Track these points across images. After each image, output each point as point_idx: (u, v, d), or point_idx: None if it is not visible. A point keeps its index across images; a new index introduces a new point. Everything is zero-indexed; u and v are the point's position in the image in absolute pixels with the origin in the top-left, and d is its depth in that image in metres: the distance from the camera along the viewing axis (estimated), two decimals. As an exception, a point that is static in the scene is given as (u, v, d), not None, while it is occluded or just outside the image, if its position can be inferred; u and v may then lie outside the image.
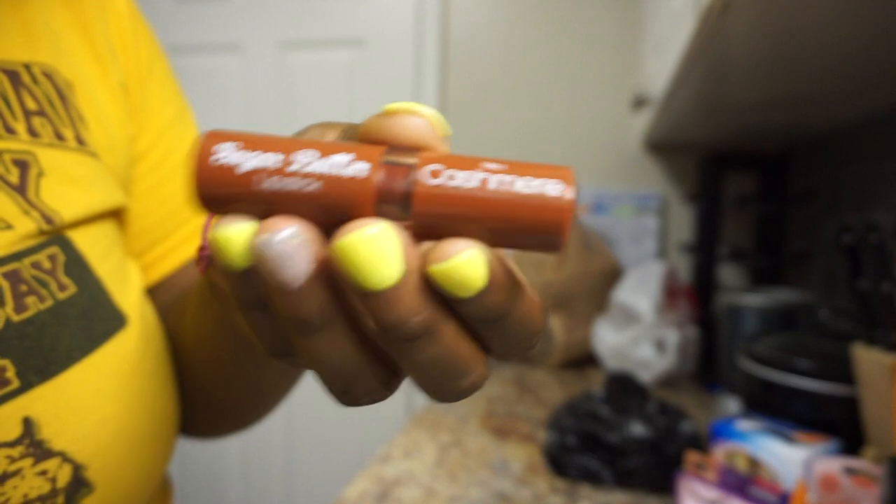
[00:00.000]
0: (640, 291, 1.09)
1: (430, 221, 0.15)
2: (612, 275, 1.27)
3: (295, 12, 1.64)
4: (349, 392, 0.17)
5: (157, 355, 0.31)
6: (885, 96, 0.81)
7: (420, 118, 0.16)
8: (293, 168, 0.15)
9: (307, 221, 0.15)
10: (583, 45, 1.49)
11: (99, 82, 0.32)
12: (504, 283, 0.15)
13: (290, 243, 0.14)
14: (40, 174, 0.26)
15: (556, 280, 1.23)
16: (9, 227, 0.25)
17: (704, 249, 1.21)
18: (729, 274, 1.42)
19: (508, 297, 0.16)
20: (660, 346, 1.06)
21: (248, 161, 0.15)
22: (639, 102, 1.17)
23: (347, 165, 0.15)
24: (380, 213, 0.15)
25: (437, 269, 0.14)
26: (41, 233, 0.26)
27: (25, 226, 0.25)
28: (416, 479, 0.71)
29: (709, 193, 1.21)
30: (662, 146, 1.46)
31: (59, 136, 0.28)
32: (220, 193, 0.15)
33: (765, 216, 1.26)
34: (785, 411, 0.64)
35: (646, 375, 1.04)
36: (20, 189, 0.26)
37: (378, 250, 0.14)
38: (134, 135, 0.35)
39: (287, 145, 0.15)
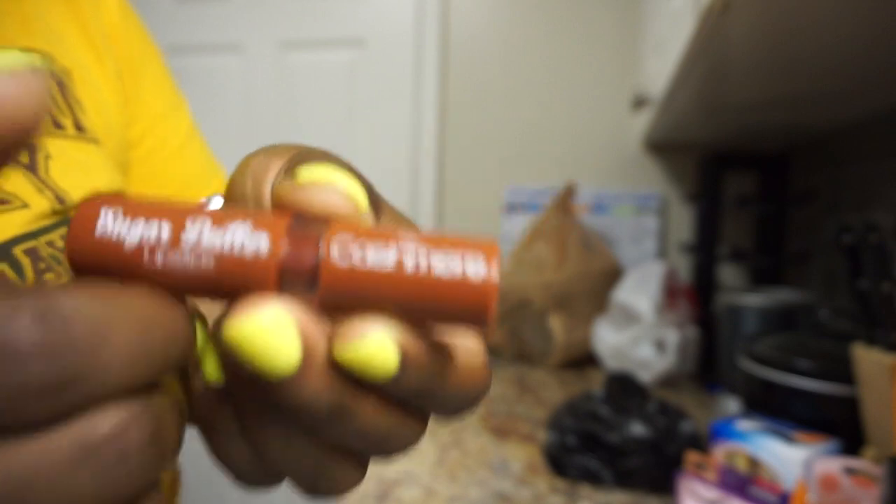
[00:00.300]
0: (640, 291, 1.09)
1: (339, 301, 0.13)
2: (612, 275, 1.27)
3: (295, 12, 1.64)
4: (317, 488, 0.16)
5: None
6: (885, 96, 0.81)
7: (334, 191, 0.14)
8: (186, 240, 0.13)
9: (202, 299, 0.13)
10: (583, 45, 1.49)
11: (96, 69, 0.33)
12: (423, 362, 0.14)
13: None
14: (48, 157, 0.27)
15: (556, 280, 1.23)
16: (25, 205, 0.25)
17: (704, 249, 1.22)
18: (729, 274, 1.42)
19: (430, 375, 0.14)
20: (660, 346, 1.06)
21: (133, 232, 0.13)
22: (639, 102, 1.17)
23: (245, 240, 0.13)
24: (282, 290, 0.13)
25: (343, 355, 0.13)
26: (54, 212, 0.26)
27: (40, 205, 0.26)
28: (415, 479, 0.71)
29: (709, 193, 1.21)
30: (662, 146, 1.46)
31: (58, 125, 0.28)
32: (102, 269, 0.13)
33: (765, 216, 1.26)
34: (785, 411, 0.64)
35: (646, 375, 1.04)
36: (31, 168, 0.26)
37: (271, 338, 0.12)
38: (129, 122, 0.35)
39: (178, 214, 0.13)
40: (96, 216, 0.13)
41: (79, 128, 0.29)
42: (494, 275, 0.13)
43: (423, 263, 0.13)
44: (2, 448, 0.10)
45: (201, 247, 0.13)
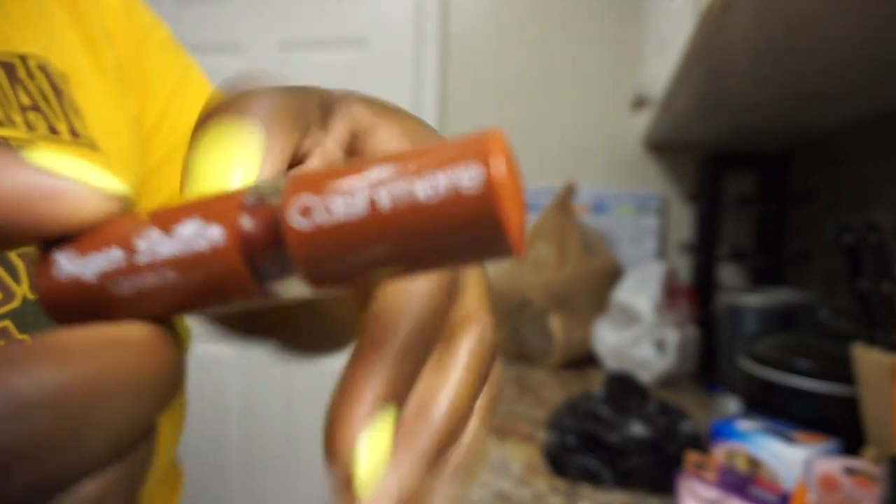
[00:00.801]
0: (640, 291, 1.09)
1: (325, 270, 0.11)
2: (612, 275, 1.27)
3: (295, 12, 1.64)
4: None
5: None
6: (885, 96, 0.81)
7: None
8: (141, 260, 0.12)
9: (191, 308, 0.12)
10: (583, 44, 1.49)
11: (92, 71, 0.32)
12: None
13: None
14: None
15: (556, 280, 1.23)
16: None
17: (704, 249, 1.22)
18: (729, 274, 1.42)
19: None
20: (660, 346, 1.06)
21: (90, 265, 0.12)
22: (639, 102, 1.17)
23: (196, 237, 0.11)
24: (259, 277, 0.11)
25: None
26: None
27: None
28: (416, 479, 0.71)
29: (709, 193, 1.21)
30: (662, 146, 1.46)
31: (53, 130, 0.28)
32: (78, 308, 0.12)
33: (765, 216, 1.26)
34: (785, 411, 0.64)
35: (646, 375, 1.04)
36: None
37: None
38: (139, 113, 0.35)
39: (125, 232, 0.12)
40: (52, 261, 0.12)
41: (74, 133, 0.29)
42: (499, 169, 0.10)
43: (402, 192, 0.10)
44: None
45: (157, 262, 0.11)
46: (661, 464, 0.66)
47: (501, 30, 1.53)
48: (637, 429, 0.69)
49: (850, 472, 0.51)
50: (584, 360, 1.23)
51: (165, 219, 0.12)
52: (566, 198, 1.32)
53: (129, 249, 0.12)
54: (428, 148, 0.11)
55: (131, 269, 0.12)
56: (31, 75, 0.28)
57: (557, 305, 1.23)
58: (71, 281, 0.12)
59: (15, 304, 0.24)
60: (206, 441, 1.74)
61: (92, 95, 0.31)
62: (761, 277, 1.26)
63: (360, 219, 0.10)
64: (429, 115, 1.57)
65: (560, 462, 0.71)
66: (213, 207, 0.12)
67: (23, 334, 0.24)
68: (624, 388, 0.77)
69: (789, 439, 0.58)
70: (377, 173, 0.11)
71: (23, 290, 0.24)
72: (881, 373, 0.53)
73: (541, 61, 1.51)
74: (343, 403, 0.13)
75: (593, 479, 0.69)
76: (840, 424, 0.60)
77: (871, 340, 0.55)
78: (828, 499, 0.52)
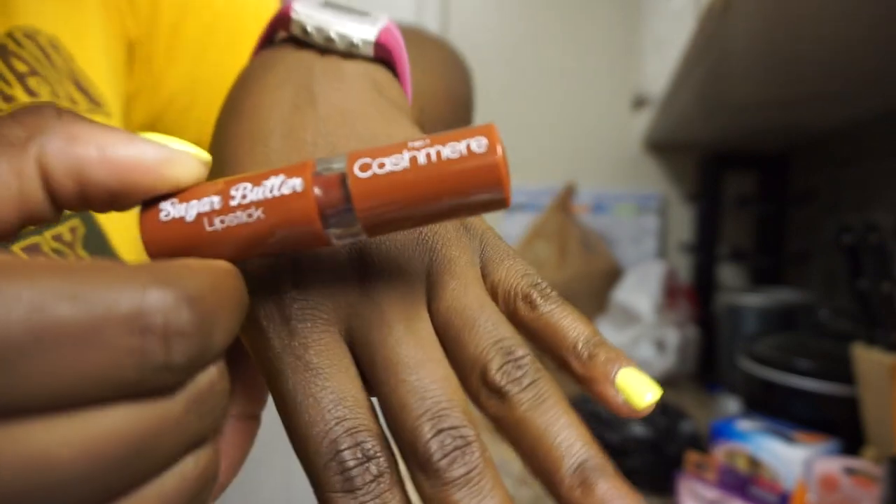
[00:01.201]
0: (640, 291, 1.10)
1: (376, 213, 0.15)
2: (612, 275, 1.27)
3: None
4: None
5: None
6: (885, 96, 0.81)
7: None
8: (234, 203, 0.15)
9: (268, 248, 0.16)
10: (583, 44, 1.49)
11: (101, 32, 0.31)
12: None
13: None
14: None
15: (556, 280, 1.23)
16: None
17: (704, 249, 1.22)
18: (729, 274, 1.42)
19: None
20: (660, 346, 1.06)
21: (190, 210, 0.16)
22: (639, 102, 1.18)
23: (281, 186, 0.15)
24: (326, 221, 0.15)
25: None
26: None
27: None
28: (416, 478, 0.71)
29: (709, 193, 1.22)
30: (662, 146, 1.46)
31: (55, 95, 0.27)
32: (175, 244, 0.16)
33: (765, 216, 1.26)
34: (785, 411, 0.64)
35: (646, 375, 1.04)
36: None
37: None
38: (134, 91, 0.34)
39: (221, 187, 0.16)
40: (158, 209, 0.16)
41: (72, 101, 0.28)
42: (497, 147, 0.15)
43: (433, 153, 0.15)
44: (134, 408, 0.12)
45: (247, 203, 0.15)
46: (661, 464, 0.66)
47: (501, 30, 1.53)
48: (637, 429, 0.69)
49: (849, 472, 0.51)
50: (584, 360, 1.22)
51: (254, 176, 0.16)
52: (566, 198, 1.32)
53: (225, 195, 0.15)
54: (450, 132, 0.15)
55: (225, 209, 0.15)
56: (19, 44, 0.27)
57: (557, 305, 1.22)
58: (173, 221, 0.16)
59: None
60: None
61: (96, 56, 0.31)
62: (761, 277, 1.26)
63: (404, 170, 0.15)
64: (429, 115, 1.57)
65: (560, 462, 0.71)
66: (292, 169, 0.16)
67: None
68: (624, 388, 0.77)
69: (789, 439, 0.58)
70: (414, 143, 0.15)
71: None
72: (881, 373, 0.53)
73: (541, 61, 1.51)
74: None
75: (593, 479, 0.69)
76: (840, 424, 0.60)
77: (871, 340, 0.55)
78: (828, 499, 0.52)
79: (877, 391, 0.54)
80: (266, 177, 0.15)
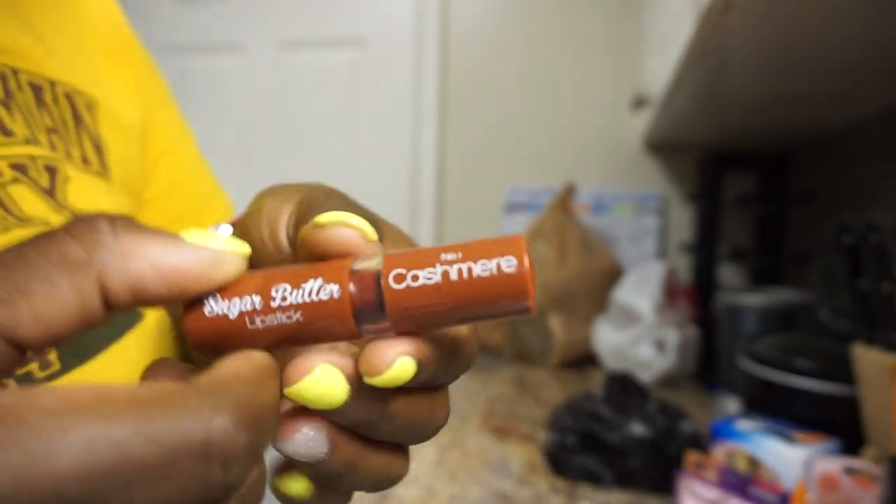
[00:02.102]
0: (640, 291, 1.10)
1: (406, 319, 0.16)
2: (612, 275, 1.27)
3: (295, 12, 1.64)
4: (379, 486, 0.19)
5: (168, 350, 0.34)
6: (885, 96, 0.81)
7: (348, 229, 0.17)
8: (274, 305, 0.17)
9: (302, 342, 0.17)
10: (583, 44, 1.49)
11: (125, 101, 0.34)
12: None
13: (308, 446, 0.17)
14: (66, 179, 0.28)
15: (556, 280, 1.23)
16: (45, 223, 0.26)
17: (704, 249, 1.22)
18: (729, 274, 1.42)
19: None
20: (660, 346, 1.06)
21: (234, 307, 0.17)
22: (639, 102, 1.18)
23: (319, 291, 0.16)
24: (360, 322, 0.17)
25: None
26: None
27: (60, 223, 0.27)
28: (416, 478, 0.71)
29: (709, 193, 1.22)
30: (662, 146, 1.46)
31: (68, 155, 0.30)
32: (218, 338, 0.17)
33: (765, 216, 1.26)
34: (785, 411, 0.64)
35: (646, 375, 1.04)
36: (50, 192, 0.27)
37: (325, 387, 0.16)
38: (147, 144, 0.37)
39: (261, 285, 0.17)
40: (203, 305, 0.17)
41: (85, 161, 0.31)
42: (525, 262, 0.16)
43: (465, 269, 0.16)
44: None
45: (287, 306, 0.16)
46: (661, 464, 0.66)
47: (501, 30, 1.53)
48: (637, 429, 0.69)
49: (849, 471, 0.51)
50: (584, 360, 1.23)
51: (293, 276, 0.17)
52: (566, 198, 1.32)
53: (265, 296, 0.17)
54: (479, 243, 0.16)
55: (266, 310, 0.17)
56: (55, 100, 0.30)
57: (557, 305, 1.23)
58: (217, 318, 0.17)
59: None
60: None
61: (117, 125, 0.33)
62: (761, 277, 1.26)
63: (435, 285, 0.16)
64: (429, 115, 1.57)
65: (560, 462, 0.71)
66: (330, 270, 0.17)
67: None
68: (624, 388, 0.77)
69: (789, 439, 0.58)
70: (447, 255, 0.16)
71: None
72: (881, 373, 0.53)
73: (540, 61, 1.51)
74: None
75: (593, 479, 0.69)
76: (840, 424, 0.60)
77: (871, 340, 0.55)
78: (828, 498, 0.52)
79: (877, 391, 0.54)
80: (305, 279, 0.17)
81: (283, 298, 0.16)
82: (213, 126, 1.67)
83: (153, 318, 0.32)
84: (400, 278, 0.16)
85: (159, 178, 0.37)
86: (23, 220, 0.26)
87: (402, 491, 0.67)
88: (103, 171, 0.31)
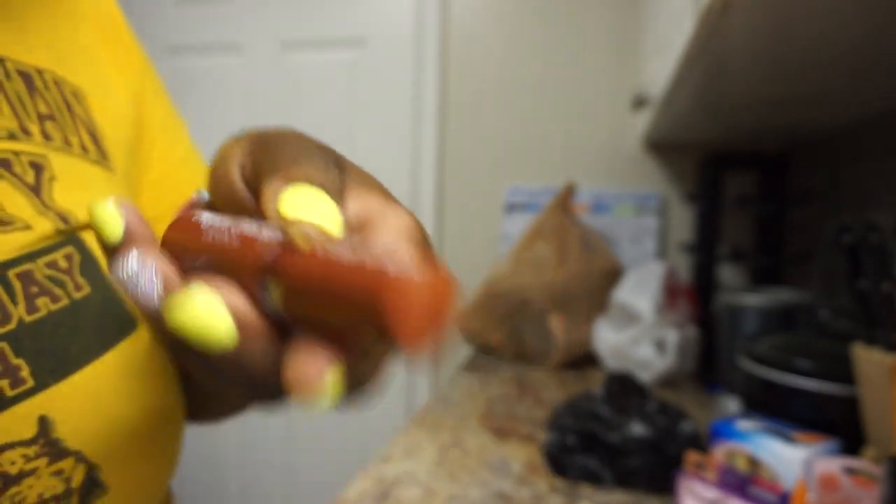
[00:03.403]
0: (640, 291, 1.09)
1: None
2: (612, 275, 1.27)
3: (295, 13, 1.64)
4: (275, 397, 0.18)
5: (164, 358, 0.32)
6: (885, 97, 0.81)
7: (310, 228, 0.18)
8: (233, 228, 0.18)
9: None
10: (583, 45, 1.49)
11: (118, 84, 0.34)
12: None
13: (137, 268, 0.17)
14: (52, 178, 0.27)
15: (556, 280, 1.23)
16: (27, 227, 0.25)
17: (704, 249, 1.22)
18: (729, 274, 1.42)
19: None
20: (660, 346, 1.06)
21: (209, 219, 0.19)
22: (639, 102, 1.17)
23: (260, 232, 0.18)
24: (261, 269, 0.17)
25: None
26: (58, 232, 0.26)
27: (43, 226, 0.26)
28: (416, 479, 0.71)
29: (709, 193, 1.21)
30: (662, 146, 1.46)
31: (67, 142, 0.29)
32: (180, 238, 0.19)
33: (765, 216, 1.26)
34: (785, 411, 0.64)
35: (646, 375, 1.04)
36: (35, 190, 0.26)
37: (207, 320, 0.16)
38: (139, 135, 0.36)
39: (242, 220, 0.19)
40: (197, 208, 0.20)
41: (84, 148, 0.30)
42: (405, 271, 0.15)
43: (348, 251, 0.16)
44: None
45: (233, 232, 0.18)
46: (661, 464, 0.66)
47: (501, 30, 1.53)
48: (637, 429, 0.69)
49: (849, 471, 0.51)
50: (584, 360, 1.23)
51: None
52: (566, 198, 1.32)
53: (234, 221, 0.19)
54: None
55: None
56: (46, 87, 0.29)
57: (557, 305, 1.23)
58: (195, 221, 0.20)
59: (11, 325, 0.24)
60: (202, 468, 1.74)
61: (113, 108, 0.33)
62: (761, 277, 1.26)
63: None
64: (429, 115, 1.57)
65: (560, 462, 0.71)
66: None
67: (18, 357, 0.24)
68: (624, 388, 0.77)
69: (789, 439, 0.58)
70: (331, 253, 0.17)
71: (19, 311, 0.24)
72: (881, 373, 0.53)
73: (540, 61, 1.51)
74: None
75: (593, 479, 0.69)
76: (840, 424, 0.60)
77: (871, 340, 0.55)
78: (828, 499, 0.52)
79: (877, 391, 0.54)
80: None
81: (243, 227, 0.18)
82: (213, 126, 1.67)
83: (146, 328, 0.31)
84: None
85: (151, 167, 0.37)
86: (3, 221, 0.25)
87: (401, 491, 0.67)
88: (101, 159, 0.31)
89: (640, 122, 1.29)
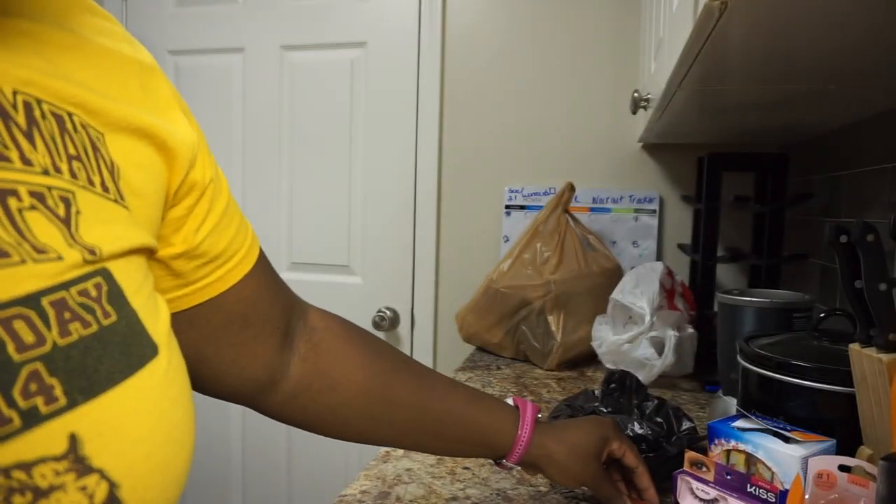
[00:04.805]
0: (638, 291, 1.10)
1: None
2: (612, 275, 1.28)
3: (297, 16, 1.64)
4: None
5: (181, 384, 0.34)
6: (884, 98, 0.81)
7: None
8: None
9: None
10: (583, 45, 1.49)
11: (135, 131, 0.35)
12: None
13: None
14: (78, 212, 0.29)
15: (556, 280, 1.24)
16: (59, 257, 0.27)
17: (703, 250, 1.22)
18: (727, 274, 1.42)
19: None
20: (658, 345, 1.06)
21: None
22: (638, 103, 1.18)
23: None
24: None
25: None
26: (86, 262, 0.28)
27: (73, 256, 0.27)
28: (416, 477, 0.71)
29: (707, 194, 1.22)
30: (661, 147, 1.46)
31: (90, 182, 0.31)
32: None
33: (763, 217, 1.26)
34: (782, 411, 0.65)
35: (644, 375, 1.04)
36: (66, 223, 0.28)
37: None
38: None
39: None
40: None
41: (104, 188, 0.32)
42: None
43: None
44: None
45: None
46: (660, 463, 0.67)
47: (501, 31, 1.53)
48: (636, 428, 0.69)
49: (846, 470, 0.52)
50: (584, 360, 1.23)
51: None
52: (566, 198, 1.32)
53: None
54: None
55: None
56: (76, 129, 0.31)
57: (557, 305, 1.23)
58: None
59: (45, 348, 0.25)
60: (202, 468, 1.74)
61: (129, 154, 0.34)
62: (759, 277, 1.27)
63: None
64: (429, 116, 1.57)
65: (559, 461, 0.71)
66: None
67: (52, 377, 0.25)
68: (623, 388, 0.77)
69: (787, 438, 0.59)
70: None
71: (53, 335, 0.26)
72: (877, 372, 0.53)
73: (540, 62, 1.52)
74: None
75: (592, 478, 0.69)
76: (837, 423, 0.61)
77: (868, 340, 0.56)
78: (825, 497, 0.52)
79: (873, 390, 0.54)
80: None
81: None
82: (215, 128, 1.68)
83: (165, 355, 0.32)
84: None
85: (201, 213, 0.40)
86: (38, 250, 0.26)
87: (402, 490, 0.68)
88: (119, 199, 0.32)
89: (640, 123, 1.30)
